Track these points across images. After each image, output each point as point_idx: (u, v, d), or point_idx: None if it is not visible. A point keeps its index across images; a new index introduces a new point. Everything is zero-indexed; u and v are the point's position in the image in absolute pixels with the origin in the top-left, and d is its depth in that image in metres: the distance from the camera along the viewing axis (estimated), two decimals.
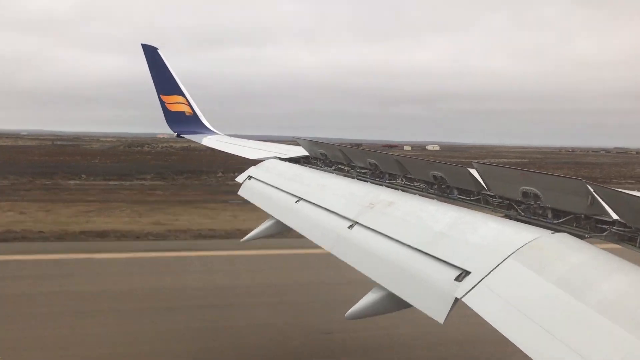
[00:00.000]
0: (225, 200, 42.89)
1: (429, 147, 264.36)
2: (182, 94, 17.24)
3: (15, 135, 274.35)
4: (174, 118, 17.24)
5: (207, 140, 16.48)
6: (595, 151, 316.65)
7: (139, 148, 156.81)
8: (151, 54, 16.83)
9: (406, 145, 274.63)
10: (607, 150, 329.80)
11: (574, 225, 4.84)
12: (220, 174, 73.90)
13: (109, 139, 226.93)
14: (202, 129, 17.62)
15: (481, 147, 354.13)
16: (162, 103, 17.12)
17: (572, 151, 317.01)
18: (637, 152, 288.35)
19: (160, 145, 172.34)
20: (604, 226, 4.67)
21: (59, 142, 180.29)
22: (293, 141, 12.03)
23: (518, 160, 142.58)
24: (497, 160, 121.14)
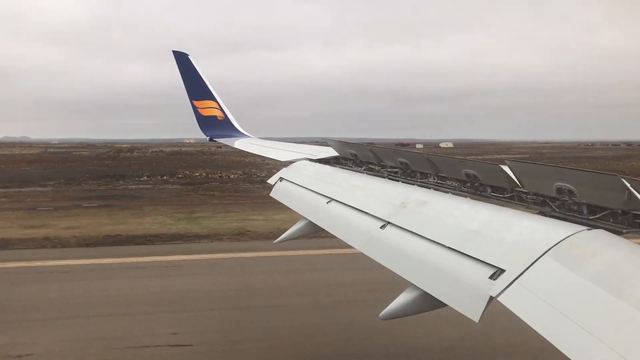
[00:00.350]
0: (35, 208, 41.94)
1: (442, 145, 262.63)
2: (214, 99, 17.42)
3: (25, 144, 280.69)
4: (206, 122, 17.47)
5: (239, 144, 16.70)
6: (616, 145, 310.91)
7: (129, 154, 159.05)
8: (182, 60, 16.96)
9: (418, 143, 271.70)
10: (628, 144, 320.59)
11: (611, 221, 4.77)
12: (145, 178, 73.27)
13: (124, 145, 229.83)
14: (234, 132, 17.82)
15: (497, 144, 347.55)
16: (195, 108, 17.32)
17: (591, 145, 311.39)
18: None
19: (150, 151, 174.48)
20: None
21: (51, 150, 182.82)
22: (323, 142, 12.17)
23: (519, 155, 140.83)
24: (496, 157, 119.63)
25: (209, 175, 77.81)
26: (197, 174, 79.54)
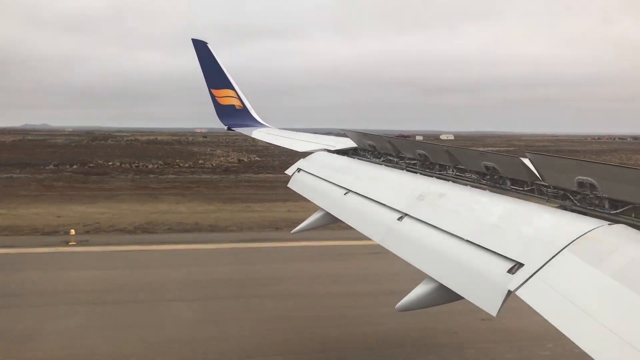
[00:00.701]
0: None
1: (443, 137, 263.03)
2: (232, 88, 17.31)
3: (35, 132, 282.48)
4: (224, 111, 17.34)
5: (257, 133, 16.59)
6: (622, 138, 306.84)
7: (103, 142, 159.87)
8: (201, 48, 16.81)
9: (418, 135, 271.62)
10: (635, 137, 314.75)
11: (633, 215, 4.70)
12: (51, 167, 70.97)
13: (123, 134, 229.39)
14: (252, 122, 17.71)
15: (499, 136, 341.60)
16: (213, 97, 17.20)
17: (597, 138, 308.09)
18: None
19: (125, 139, 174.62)
20: None
21: (29, 137, 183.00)
22: (342, 133, 12.12)
23: (504, 148, 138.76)
24: (487, 149, 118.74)
25: (122, 165, 75.51)
26: (111, 163, 77.07)
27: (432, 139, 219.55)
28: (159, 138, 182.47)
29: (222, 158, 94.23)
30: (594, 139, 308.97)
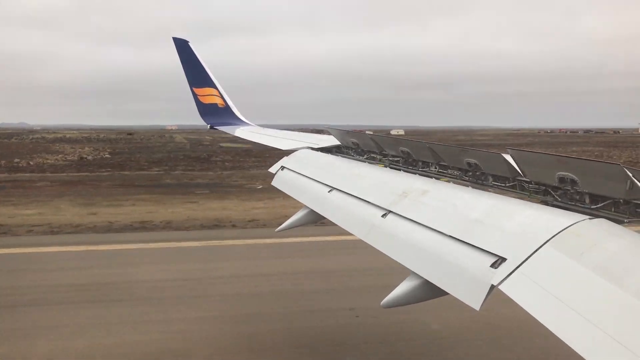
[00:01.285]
0: None
1: (393, 132, 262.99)
2: (214, 86, 17.04)
3: None
4: (206, 110, 17.06)
5: (240, 132, 16.38)
6: (574, 132, 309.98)
7: (6, 140, 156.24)
8: (182, 47, 16.53)
9: (368, 130, 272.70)
10: (586, 131, 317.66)
11: (613, 210, 4.80)
12: None
13: (68, 132, 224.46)
14: (234, 120, 17.53)
15: (451, 131, 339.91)
16: (195, 96, 16.91)
17: (550, 132, 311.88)
18: None
19: (30, 137, 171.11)
20: None
21: None
22: (325, 130, 12.24)
23: (441, 141, 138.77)
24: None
25: None
26: None
27: (385, 133, 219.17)
28: (67, 136, 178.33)
29: (60, 155, 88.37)
30: (546, 132, 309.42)
